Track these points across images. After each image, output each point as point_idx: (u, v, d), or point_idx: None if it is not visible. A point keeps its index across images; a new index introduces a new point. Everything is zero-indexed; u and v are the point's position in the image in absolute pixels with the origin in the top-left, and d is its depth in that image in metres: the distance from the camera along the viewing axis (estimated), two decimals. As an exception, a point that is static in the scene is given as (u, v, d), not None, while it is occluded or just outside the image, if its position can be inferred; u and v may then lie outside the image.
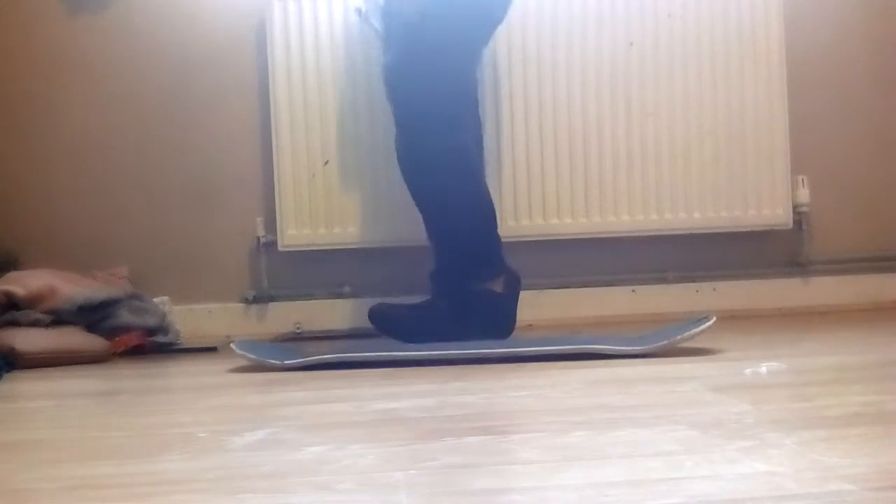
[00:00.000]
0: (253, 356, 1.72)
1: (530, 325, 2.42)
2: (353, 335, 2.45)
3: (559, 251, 2.57)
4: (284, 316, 2.57)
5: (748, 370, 1.47)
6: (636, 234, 2.55)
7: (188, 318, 2.49)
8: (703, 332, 1.72)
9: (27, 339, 2.00)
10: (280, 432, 1.10)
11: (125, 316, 2.22)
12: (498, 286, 1.96)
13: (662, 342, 1.69)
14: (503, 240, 2.10)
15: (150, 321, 2.28)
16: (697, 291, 2.24)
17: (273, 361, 1.71)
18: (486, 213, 1.98)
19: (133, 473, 0.93)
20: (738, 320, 2.12)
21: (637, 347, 1.69)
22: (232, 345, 1.79)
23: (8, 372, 1.88)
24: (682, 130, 2.58)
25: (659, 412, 1.15)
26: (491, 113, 2.50)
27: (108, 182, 2.59)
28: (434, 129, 1.91)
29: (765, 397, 1.27)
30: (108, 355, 2.12)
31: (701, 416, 1.10)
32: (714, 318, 1.76)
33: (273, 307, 2.58)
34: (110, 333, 2.17)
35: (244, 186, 2.62)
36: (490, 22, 2.05)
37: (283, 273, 2.60)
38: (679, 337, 1.70)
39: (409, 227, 2.52)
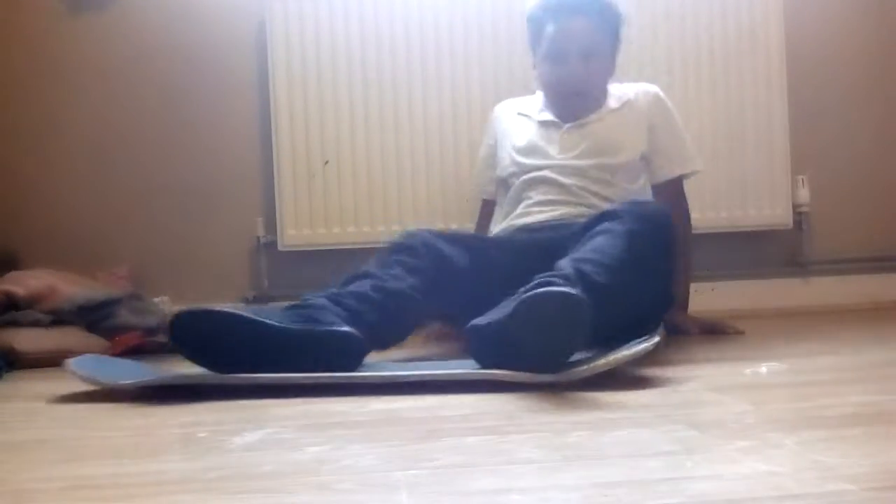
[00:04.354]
0: (85, 373, 1.48)
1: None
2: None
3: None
4: (284, 316, 2.57)
5: (748, 370, 1.47)
6: (636, 234, 2.55)
7: (188, 318, 2.48)
8: (637, 354, 1.37)
9: (27, 339, 2.00)
10: (280, 432, 1.10)
11: (125, 316, 2.22)
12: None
13: (583, 367, 1.35)
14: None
15: (150, 321, 2.27)
16: (696, 291, 2.24)
17: (104, 380, 1.47)
18: None
19: (133, 473, 0.93)
20: (738, 320, 2.11)
21: (548, 376, 1.34)
22: (70, 362, 1.54)
23: (8, 372, 1.88)
24: (682, 130, 2.58)
25: (659, 412, 1.15)
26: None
27: (109, 182, 2.59)
28: None
29: (765, 397, 1.28)
30: (108, 355, 2.11)
31: (701, 416, 1.10)
32: (657, 339, 1.42)
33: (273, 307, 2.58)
34: (110, 333, 2.17)
35: (244, 186, 2.62)
36: None
37: (283, 273, 2.60)
38: (603, 361, 1.34)
39: (410, 227, 2.52)
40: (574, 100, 2.08)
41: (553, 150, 2.07)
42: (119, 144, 2.59)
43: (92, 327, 2.18)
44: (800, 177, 2.65)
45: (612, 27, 2.08)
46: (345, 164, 2.53)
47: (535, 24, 2.10)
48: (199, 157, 2.60)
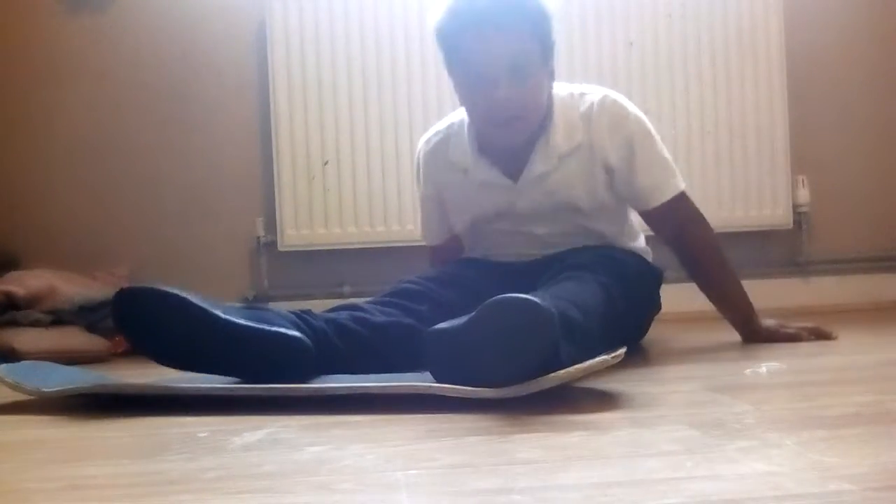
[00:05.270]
0: (11, 380, 1.37)
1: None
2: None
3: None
4: (284, 316, 2.57)
5: (748, 370, 1.47)
6: (636, 234, 2.54)
7: (188, 319, 2.48)
8: (594, 368, 1.22)
9: (27, 339, 2.01)
10: (280, 432, 1.10)
11: (125, 316, 2.22)
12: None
13: (533, 381, 1.19)
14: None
15: (150, 321, 2.27)
16: (698, 291, 2.24)
17: (28, 385, 1.37)
18: None
19: (133, 473, 0.93)
20: (738, 320, 2.11)
21: (496, 391, 1.20)
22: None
23: (8, 372, 1.87)
24: (682, 131, 2.58)
25: (659, 412, 1.15)
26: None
27: (108, 182, 2.59)
28: None
29: (765, 397, 1.27)
30: (108, 355, 2.12)
31: (701, 416, 1.10)
32: (621, 353, 1.27)
33: (273, 307, 2.58)
34: (110, 333, 2.17)
35: (244, 187, 2.62)
36: None
37: (283, 273, 2.60)
38: (553, 375, 1.19)
39: (409, 227, 2.53)
40: (512, 126, 1.70)
41: (511, 218, 1.81)
42: (119, 144, 2.60)
43: (92, 327, 2.18)
44: (800, 177, 2.66)
45: (541, 31, 1.71)
46: (345, 164, 2.54)
47: (448, 42, 1.71)
48: (199, 157, 2.60)
